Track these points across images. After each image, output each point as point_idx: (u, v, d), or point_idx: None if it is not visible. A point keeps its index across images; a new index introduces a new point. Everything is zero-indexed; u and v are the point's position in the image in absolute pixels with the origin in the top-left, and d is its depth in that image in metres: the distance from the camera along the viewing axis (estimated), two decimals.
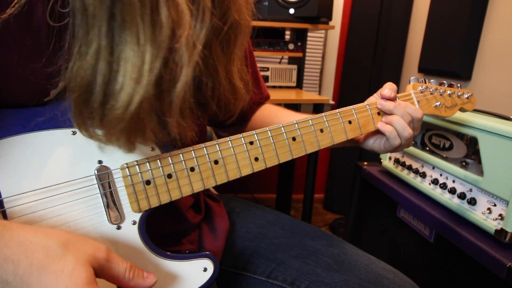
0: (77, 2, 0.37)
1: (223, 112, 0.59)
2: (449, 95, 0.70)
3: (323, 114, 0.57)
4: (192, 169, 0.49)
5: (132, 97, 0.38)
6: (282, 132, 0.54)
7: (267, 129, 0.53)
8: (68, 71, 0.39)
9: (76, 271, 0.35)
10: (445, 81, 0.70)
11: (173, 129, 0.44)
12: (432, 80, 0.69)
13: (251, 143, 0.52)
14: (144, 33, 0.37)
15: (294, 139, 0.55)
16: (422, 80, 0.68)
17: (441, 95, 0.69)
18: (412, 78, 0.68)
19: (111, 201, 0.45)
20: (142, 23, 0.37)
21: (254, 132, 0.52)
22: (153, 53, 0.38)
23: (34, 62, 0.41)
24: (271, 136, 0.53)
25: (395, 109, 0.61)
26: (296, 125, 0.55)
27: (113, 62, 0.38)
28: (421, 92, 0.67)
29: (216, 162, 0.50)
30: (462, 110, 0.74)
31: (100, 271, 0.38)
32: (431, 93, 0.68)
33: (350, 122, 0.60)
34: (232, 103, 0.57)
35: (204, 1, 0.42)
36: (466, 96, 0.72)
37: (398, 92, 0.64)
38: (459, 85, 0.73)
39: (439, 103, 0.68)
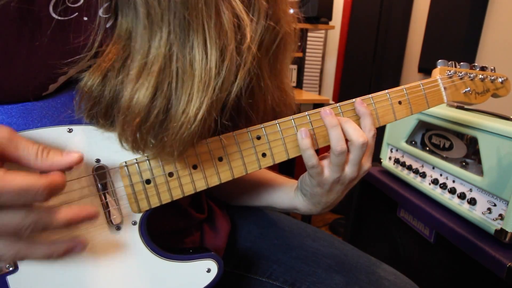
0: (141, 7, 0.36)
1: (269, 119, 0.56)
2: (481, 79, 0.63)
3: (338, 104, 0.53)
4: (194, 167, 0.47)
5: (202, 103, 0.38)
6: (292, 125, 0.50)
7: (276, 122, 0.50)
8: (127, 90, 0.38)
9: None
10: (476, 64, 0.64)
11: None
12: (462, 63, 0.63)
13: (258, 137, 0.49)
14: (210, 36, 0.37)
15: None
16: (452, 64, 0.62)
17: (471, 80, 0.62)
18: (439, 61, 0.61)
19: (110, 202, 0.44)
20: (208, 26, 0.37)
21: (262, 126, 0.49)
22: (218, 57, 0.38)
23: (32, 55, 0.40)
24: (280, 130, 0.50)
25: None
26: (308, 117, 0.51)
27: (180, 69, 0.37)
28: (449, 78, 0.60)
29: (220, 159, 0.48)
30: (495, 96, 0.67)
31: (2, 153, 0.34)
32: (461, 78, 0.61)
33: None
34: (283, 112, 0.56)
35: (260, 3, 0.42)
36: (500, 80, 0.66)
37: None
38: (492, 68, 0.66)
39: (468, 89, 0.62)
